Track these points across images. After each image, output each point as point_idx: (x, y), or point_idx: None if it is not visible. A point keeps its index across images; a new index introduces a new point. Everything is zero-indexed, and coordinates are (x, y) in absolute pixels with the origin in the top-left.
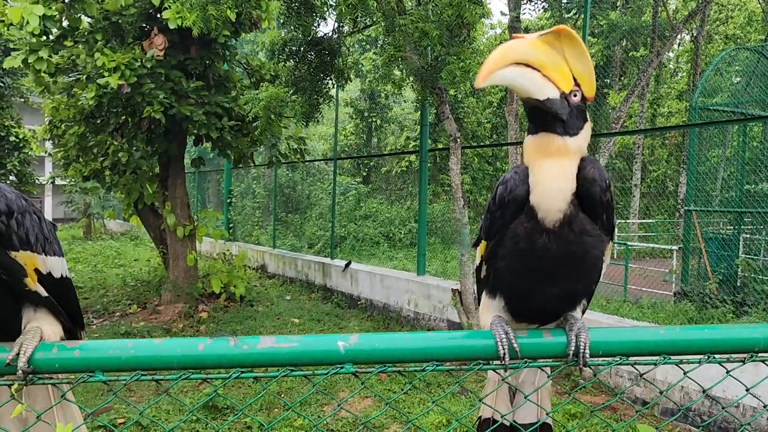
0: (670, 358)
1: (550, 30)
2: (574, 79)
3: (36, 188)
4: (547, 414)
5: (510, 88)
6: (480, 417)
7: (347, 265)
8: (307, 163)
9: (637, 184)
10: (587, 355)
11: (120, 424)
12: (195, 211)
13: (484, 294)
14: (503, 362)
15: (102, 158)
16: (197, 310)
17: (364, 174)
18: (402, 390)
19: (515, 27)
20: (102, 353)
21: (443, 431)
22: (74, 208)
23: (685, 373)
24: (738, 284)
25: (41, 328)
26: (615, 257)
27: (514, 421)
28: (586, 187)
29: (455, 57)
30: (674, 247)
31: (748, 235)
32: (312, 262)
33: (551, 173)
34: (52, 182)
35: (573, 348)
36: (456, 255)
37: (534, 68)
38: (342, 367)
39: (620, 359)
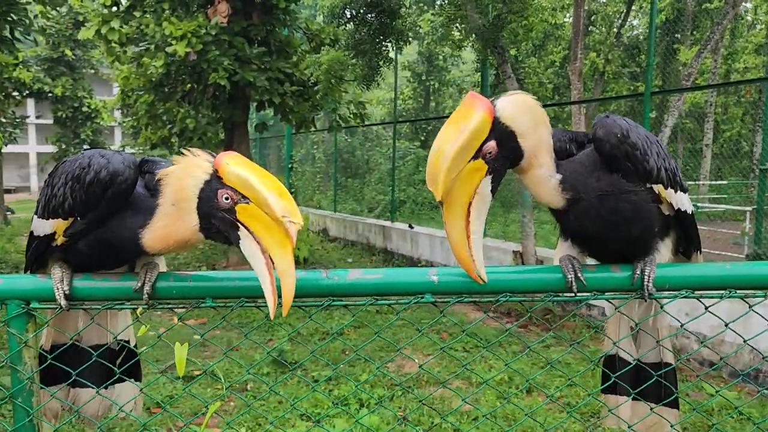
0: (735, 292)
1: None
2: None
3: None
4: (660, 345)
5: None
6: (605, 354)
7: (410, 227)
8: (365, 129)
9: (708, 144)
10: (650, 287)
11: (197, 375)
12: None
13: (560, 237)
14: (572, 293)
15: (170, 125)
16: None
17: (422, 138)
18: (464, 348)
19: None
20: (212, 282)
21: (505, 387)
22: None
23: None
24: None
25: (157, 262)
26: None
27: (638, 359)
28: (599, 150)
29: (517, 14)
30: (747, 209)
31: None
32: (373, 225)
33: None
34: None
35: (636, 280)
36: (515, 218)
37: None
38: (422, 297)
39: (686, 293)
